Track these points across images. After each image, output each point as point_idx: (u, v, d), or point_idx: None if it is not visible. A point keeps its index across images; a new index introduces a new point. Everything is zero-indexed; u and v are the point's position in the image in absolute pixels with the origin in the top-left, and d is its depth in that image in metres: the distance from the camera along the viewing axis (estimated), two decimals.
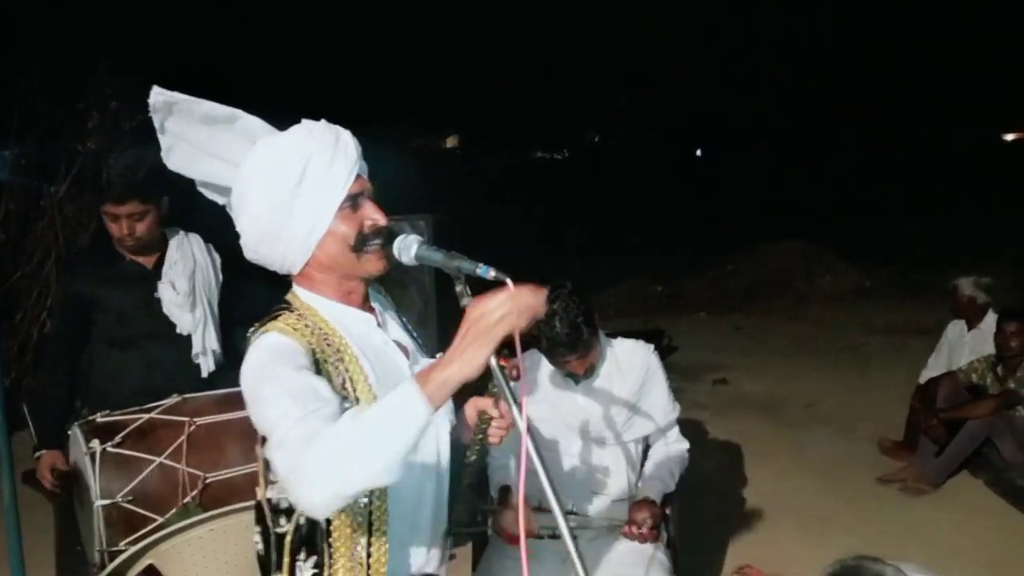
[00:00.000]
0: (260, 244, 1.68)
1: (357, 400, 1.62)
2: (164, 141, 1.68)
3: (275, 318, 1.65)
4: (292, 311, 1.68)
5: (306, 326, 1.65)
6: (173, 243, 3.08)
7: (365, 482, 1.41)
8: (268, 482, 1.68)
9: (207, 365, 3.04)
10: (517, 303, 1.43)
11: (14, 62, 5.46)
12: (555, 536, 2.55)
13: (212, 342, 3.06)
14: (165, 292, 2.99)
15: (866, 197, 17.22)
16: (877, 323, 8.84)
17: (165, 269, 3.03)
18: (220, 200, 1.77)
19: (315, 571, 1.65)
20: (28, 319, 5.41)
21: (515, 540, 2.47)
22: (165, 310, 2.99)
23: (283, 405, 1.47)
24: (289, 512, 1.65)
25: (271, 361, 1.56)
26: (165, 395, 2.67)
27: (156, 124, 1.67)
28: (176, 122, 1.66)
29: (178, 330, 3.00)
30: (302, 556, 1.65)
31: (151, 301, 2.98)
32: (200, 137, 1.67)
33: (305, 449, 1.39)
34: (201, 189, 1.77)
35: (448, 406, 1.85)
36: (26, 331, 5.41)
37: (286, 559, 1.66)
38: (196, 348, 3.02)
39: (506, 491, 2.83)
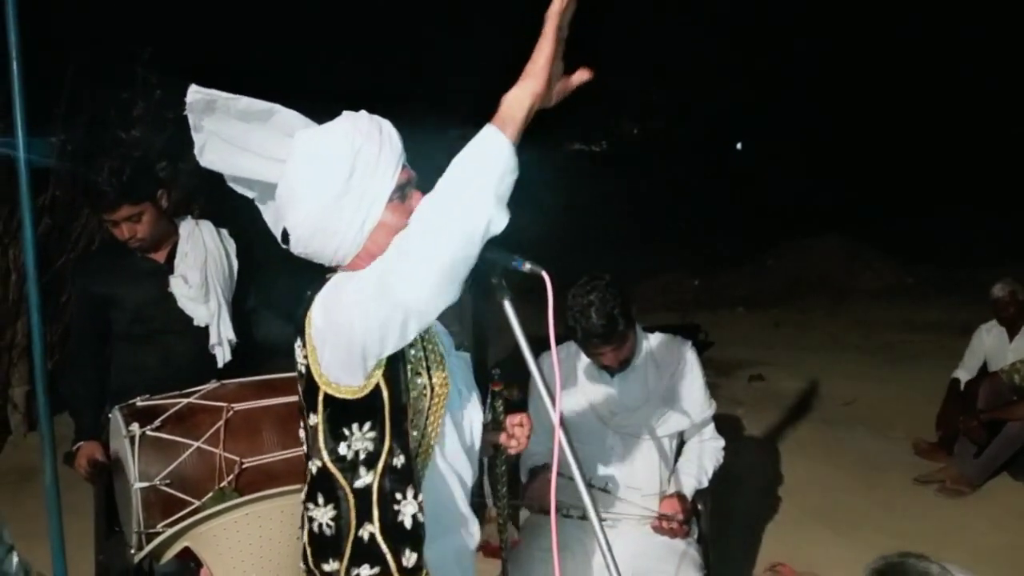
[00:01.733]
0: (312, 240, 1.68)
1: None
2: (198, 139, 1.69)
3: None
4: None
5: None
6: (184, 233, 3.05)
7: (471, 221, 1.44)
8: (339, 438, 1.64)
9: (223, 355, 3.02)
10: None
11: (61, 50, 5.53)
12: (584, 517, 2.57)
13: (228, 331, 3.03)
14: (177, 286, 2.97)
15: (908, 192, 16.96)
16: (918, 321, 8.70)
17: (177, 262, 3.00)
18: (250, 194, 1.79)
19: (420, 502, 1.66)
20: (72, 303, 5.50)
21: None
22: (180, 304, 2.97)
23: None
24: (371, 460, 1.63)
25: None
26: (182, 387, 2.65)
27: (191, 122, 1.68)
28: (212, 120, 1.67)
29: (195, 322, 2.99)
30: (407, 495, 1.65)
31: (166, 296, 2.97)
32: (236, 133, 1.68)
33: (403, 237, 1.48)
34: (232, 184, 1.78)
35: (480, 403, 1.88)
36: (70, 315, 5.49)
37: (375, 511, 1.64)
38: (213, 339, 3.01)
39: (537, 469, 2.84)
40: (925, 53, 22.21)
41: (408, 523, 1.65)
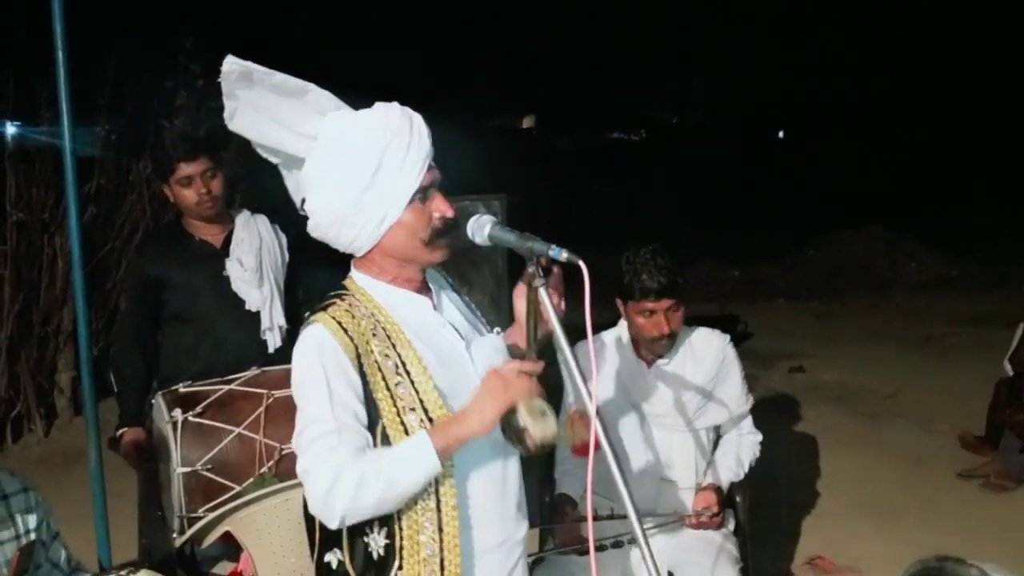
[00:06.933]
0: (330, 227, 1.70)
1: (412, 383, 1.67)
2: (229, 105, 1.70)
3: (330, 305, 1.69)
4: (345, 299, 1.71)
5: (353, 317, 1.67)
6: (239, 222, 3.11)
7: (374, 513, 1.64)
8: None
9: (274, 341, 3.07)
10: (521, 383, 1.62)
11: (105, 39, 5.61)
12: (617, 545, 2.55)
13: (279, 318, 3.09)
14: (233, 269, 3.03)
15: (953, 183, 16.65)
16: (962, 313, 8.55)
17: (232, 247, 3.06)
18: (274, 159, 1.80)
19: (387, 542, 1.67)
20: (117, 290, 5.59)
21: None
22: (234, 287, 3.02)
23: (323, 409, 1.61)
24: None
25: (318, 359, 1.63)
26: (233, 372, 2.71)
27: (224, 89, 1.69)
28: (246, 89, 1.68)
29: (247, 306, 3.03)
30: (373, 528, 1.68)
31: (220, 279, 3.02)
32: (268, 104, 1.69)
33: (328, 469, 1.59)
34: (257, 149, 1.79)
35: None
36: (115, 302, 5.58)
37: (344, 536, 1.70)
38: (264, 324, 3.06)
39: (563, 499, 2.81)
40: (972, 42, 21.77)
41: (376, 554, 1.69)
